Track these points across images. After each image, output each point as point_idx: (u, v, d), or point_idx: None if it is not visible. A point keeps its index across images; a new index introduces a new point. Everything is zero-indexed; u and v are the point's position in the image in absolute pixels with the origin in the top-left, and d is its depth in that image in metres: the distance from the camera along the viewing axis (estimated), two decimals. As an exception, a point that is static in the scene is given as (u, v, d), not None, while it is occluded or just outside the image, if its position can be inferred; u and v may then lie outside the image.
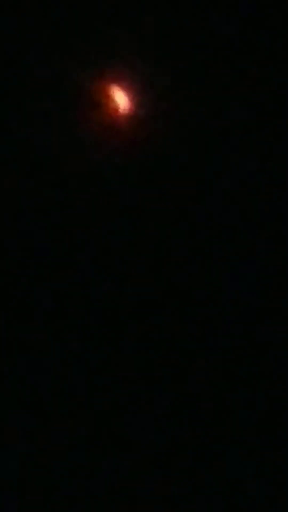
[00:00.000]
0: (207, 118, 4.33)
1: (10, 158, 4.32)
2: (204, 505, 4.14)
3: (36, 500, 4.13)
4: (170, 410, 4.24)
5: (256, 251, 4.32)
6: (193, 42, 4.31)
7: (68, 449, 4.19)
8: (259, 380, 4.26)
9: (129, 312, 4.29)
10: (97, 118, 4.32)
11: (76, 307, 4.29)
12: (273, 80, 4.34)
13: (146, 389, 4.26)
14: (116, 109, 4.32)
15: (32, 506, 4.13)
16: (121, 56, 4.31)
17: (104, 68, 4.31)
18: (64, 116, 4.30)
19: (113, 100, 4.32)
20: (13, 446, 4.18)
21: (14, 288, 4.29)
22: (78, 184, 4.32)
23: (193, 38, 4.31)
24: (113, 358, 4.26)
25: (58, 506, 4.13)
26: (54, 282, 4.29)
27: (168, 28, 4.30)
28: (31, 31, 4.29)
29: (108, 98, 4.32)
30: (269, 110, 4.35)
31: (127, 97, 4.33)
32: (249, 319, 4.31)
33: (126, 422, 4.23)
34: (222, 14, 4.29)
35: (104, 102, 4.31)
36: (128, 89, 4.33)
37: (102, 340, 4.27)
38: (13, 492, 4.13)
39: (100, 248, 4.33)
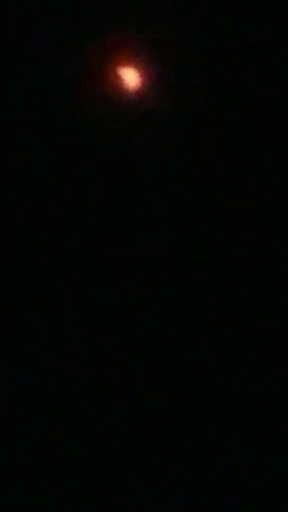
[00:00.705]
0: (213, 96, 4.30)
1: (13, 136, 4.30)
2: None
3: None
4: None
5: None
6: (202, 18, 4.26)
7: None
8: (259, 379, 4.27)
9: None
10: (102, 94, 4.28)
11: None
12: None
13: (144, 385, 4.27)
14: (121, 86, 4.29)
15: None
16: (127, 32, 4.27)
17: (110, 44, 4.27)
18: (69, 93, 4.26)
19: (118, 77, 4.28)
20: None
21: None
22: (82, 160, 4.30)
23: (202, 15, 4.26)
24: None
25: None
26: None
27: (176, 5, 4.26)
28: (36, 6, 4.24)
29: (114, 74, 4.28)
30: (276, 89, 4.32)
31: (133, 74, 4.29)
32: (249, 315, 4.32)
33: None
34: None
35: (109, 79, 4.27)
36: (134, 65, 4.29)
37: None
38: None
39: (100, 226, 4.32)
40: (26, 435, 4.21)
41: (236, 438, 4.23)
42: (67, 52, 4.27)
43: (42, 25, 4.27)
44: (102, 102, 4.29)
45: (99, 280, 4.32)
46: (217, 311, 4.29)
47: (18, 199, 4.32)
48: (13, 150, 4.32)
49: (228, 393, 4.24)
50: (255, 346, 4.27)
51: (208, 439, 4.23)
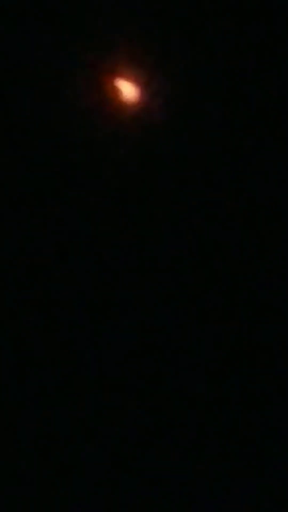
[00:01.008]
0: (213, 109, 4.32)
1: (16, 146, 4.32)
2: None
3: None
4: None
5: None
6: (202, 32, 4.29)
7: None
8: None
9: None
10: (102, 108, 4.30)
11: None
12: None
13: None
14: (121, 99, 4.31)
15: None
16: (128, 45, 4.29)
17: (110, 57, 4.29)
18: (68, 106, 4.29)
19: (118, 90, 4.30)
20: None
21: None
22: (81, 172, 4.32)
23: (202, 28, 4.29)
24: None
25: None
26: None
27: (177, 17, 4.29)
28: (35, 20, 4.27)
29: (114, 87, 4.30)
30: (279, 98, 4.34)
31: (133, 87, 4.31)
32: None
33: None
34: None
35: (109, 92, 4.29)
36: (134, 78, 4.31)
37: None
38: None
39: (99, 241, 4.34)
40: (26, 436, 4.21)
41: (237, 439, 4.24)
42: (68, 63, 4.30)
43: (43, 36, 4.30)
44: (103, 114, 4.31)
45: (99, 281, 4.35)
46: (217, 310, 4.31)
47: (17, 205, 4.35)
48: (12, 158, 4.34)
49: (228, 393, 4.26)
50: (256, 346, 4.29)
51: (209, 440, 4.24)
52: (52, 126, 4.29)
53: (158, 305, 4.31)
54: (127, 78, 4.29)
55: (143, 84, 4.31)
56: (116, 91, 4.29)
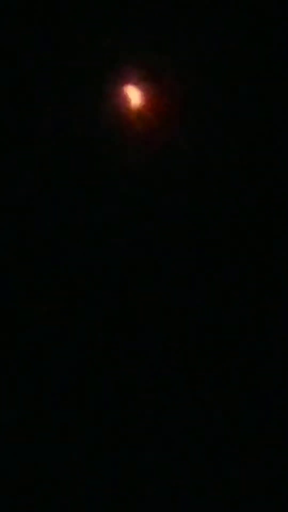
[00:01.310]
0: (219, 115, 4.35)
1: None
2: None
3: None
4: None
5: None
6: (207, 37, 4.32)
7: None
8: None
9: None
10: (109, 114, 4.33)
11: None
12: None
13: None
14: (128, 106, 4.33)
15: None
16: (136, 52, 4.32)
17: (117, 64, 4.32)
18: (77, 113, 4.32)
19: (125, 96, 4.33)
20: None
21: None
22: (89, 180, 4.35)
23: (208, 33, 4.32)
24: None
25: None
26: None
27: (184, 24, 4.33)
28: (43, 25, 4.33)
29: (121, 94, 4.33)
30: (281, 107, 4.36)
31: (140, 93, 4.34)
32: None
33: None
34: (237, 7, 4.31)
35: (116, 98, 4.32)
36: (141, 85, 4.34)
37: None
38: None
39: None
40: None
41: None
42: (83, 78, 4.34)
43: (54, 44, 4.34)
44: (110, 121, 4.34)
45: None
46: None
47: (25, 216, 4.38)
48: (25, 172, 4.37)
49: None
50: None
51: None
52: (62, 131, 4.32)
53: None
54: (137, 85, 4.31)
55: (153, 91, 4.33)
56: (126, 98, 4.31)
